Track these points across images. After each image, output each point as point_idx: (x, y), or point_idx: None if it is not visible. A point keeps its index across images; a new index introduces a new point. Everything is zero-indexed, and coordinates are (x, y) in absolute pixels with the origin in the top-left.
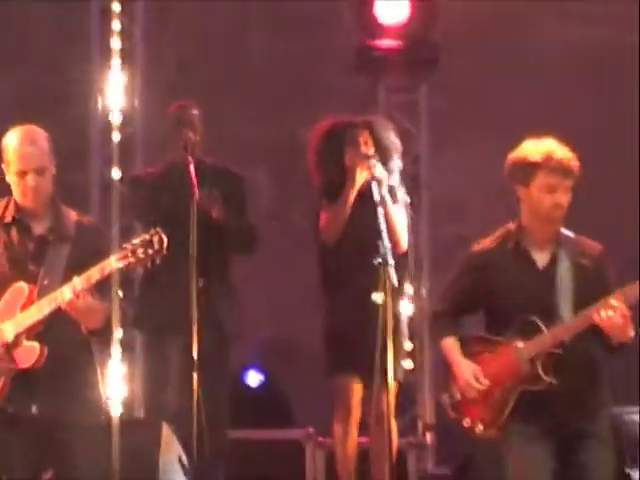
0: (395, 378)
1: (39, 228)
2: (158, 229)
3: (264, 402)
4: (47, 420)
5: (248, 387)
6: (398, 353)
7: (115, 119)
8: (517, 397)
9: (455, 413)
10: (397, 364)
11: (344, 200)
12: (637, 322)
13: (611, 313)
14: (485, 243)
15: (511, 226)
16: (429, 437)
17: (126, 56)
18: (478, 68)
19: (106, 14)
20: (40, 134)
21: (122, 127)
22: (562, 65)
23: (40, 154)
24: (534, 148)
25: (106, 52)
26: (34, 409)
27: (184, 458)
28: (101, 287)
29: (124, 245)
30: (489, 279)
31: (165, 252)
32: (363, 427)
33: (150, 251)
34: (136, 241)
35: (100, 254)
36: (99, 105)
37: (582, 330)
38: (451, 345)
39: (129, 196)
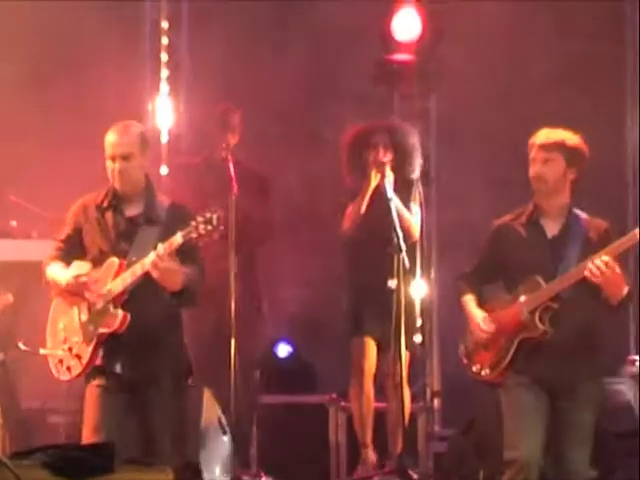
0: (408, 350)
1: (131, 211)
2: (217, 208)
3: (292, 371)
4: (130, 378)
5: (278, 357)
6: (410, 328)
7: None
8: (517, 345)
9: (467, 360)
10: (410, 338)
11: (360, 199)
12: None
13: (601, 264)
14: (504, 218)
15: (531, 204)
16: (436, 402)
17: (173, 67)
18: (479, 79)
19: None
20: (134, 127)
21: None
22: (553, 74)
23: (127, 142)
24: None
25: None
26: (118, 368)
27: (223, 419)
28: (183, 254)
29: (190, 222)
30: (504, 247)
31: (222, 229)
32: (380, 392)
33: (210, 227)
34: (199, 218)
35: None
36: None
37: (575, 282)
38: (468, 299)
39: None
